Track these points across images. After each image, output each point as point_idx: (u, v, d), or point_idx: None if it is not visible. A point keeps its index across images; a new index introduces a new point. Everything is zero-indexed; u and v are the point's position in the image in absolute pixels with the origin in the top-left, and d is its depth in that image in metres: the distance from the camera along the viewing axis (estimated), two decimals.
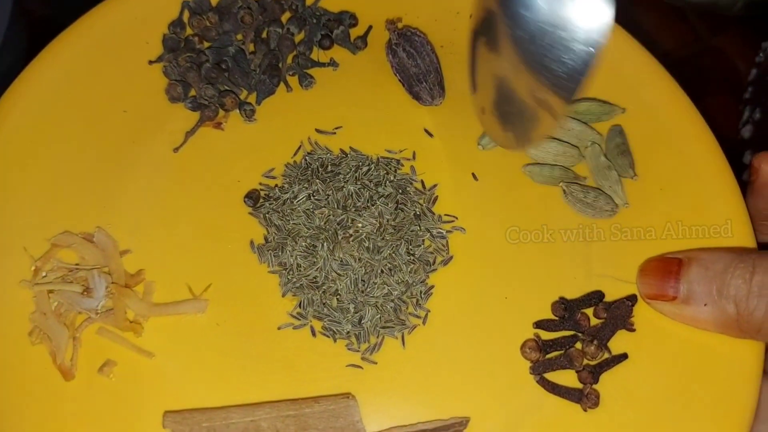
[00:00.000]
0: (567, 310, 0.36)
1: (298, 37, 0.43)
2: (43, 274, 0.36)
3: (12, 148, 0.38)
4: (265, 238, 0.38)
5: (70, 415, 0.34)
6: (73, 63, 0.41)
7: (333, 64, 0.43)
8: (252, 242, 0.38)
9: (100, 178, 0.39)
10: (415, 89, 0.42)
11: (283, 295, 0.37)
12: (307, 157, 0.40)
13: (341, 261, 0.36)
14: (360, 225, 0.37)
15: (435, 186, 0.40)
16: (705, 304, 0.34)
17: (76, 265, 0.36)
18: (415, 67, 0.42)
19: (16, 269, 0.36)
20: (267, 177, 0.40)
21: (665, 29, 0.59)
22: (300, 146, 0.41)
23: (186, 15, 0.43)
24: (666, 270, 0.35)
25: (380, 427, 0.34)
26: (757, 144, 0.52)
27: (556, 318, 0.36)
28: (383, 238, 0.37)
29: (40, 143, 0.39)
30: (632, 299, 0.36)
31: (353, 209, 0.38)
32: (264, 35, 0.43)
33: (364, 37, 0.43)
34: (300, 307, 0.36)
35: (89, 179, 0.38)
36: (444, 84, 0.42)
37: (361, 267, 0.36)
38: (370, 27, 0.44)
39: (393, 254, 0.37)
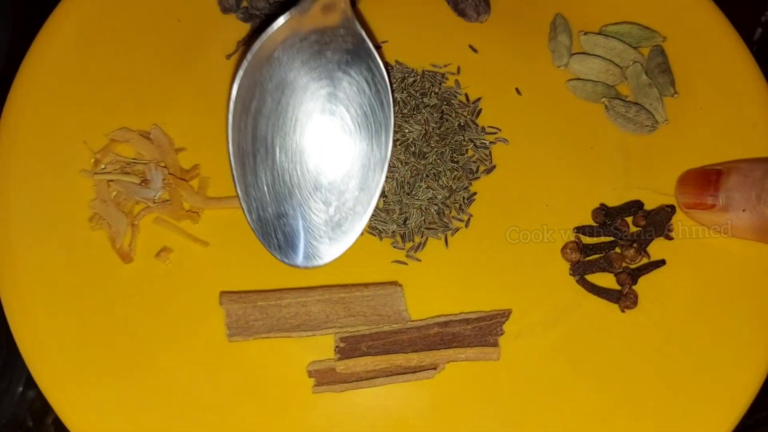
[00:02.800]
0: (607, 216, 0.36)
1: None
2: (103, 166, 0.36)
3: (74, 47, 0.38)
4: None
5: (128, 296, 0.34)
6: None
7: None
8: None
9: (157, 79, 0.39)
10: (461, 6, 0.41)
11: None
12: None
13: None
14: (406, 130, 0.37)
15: (479, 99, 0.39)
16: (744, 210, 0.34)
17: (134, 159, 0.37)
18: None
19: (76, 160, 0.36)
20: None
21: None
22: None
23: None
24: (705, 179, 0.35)
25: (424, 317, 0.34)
26: None
27: (597, 224, 0.36)
28: (428, 145, 0.37)
29: (100, 45, 0.39)
30: (671, 207, 0.36)
31: (399, 115, 0.38)
32: None
33: None
34: None
35: (146, 80, 0.38)
36: (489, 1, 0.41)
37: (407, 170, 0.36)
38: None
39: (438, 160, 0.37)
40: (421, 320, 0.33)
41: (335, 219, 0.33)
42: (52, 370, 0.32)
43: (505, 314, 0.33)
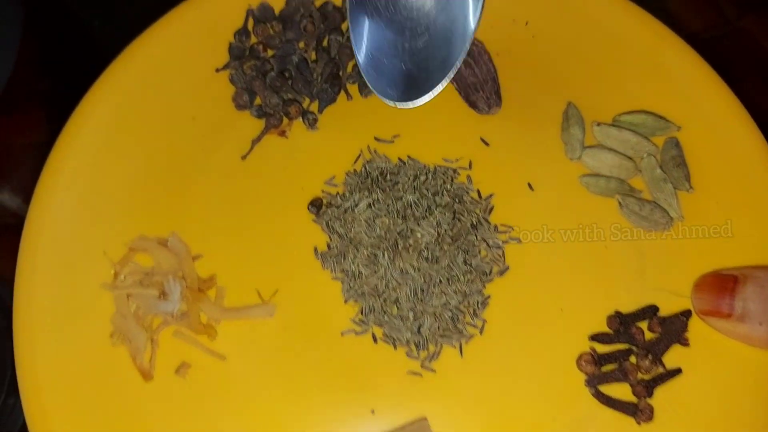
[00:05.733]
0: (622, 323, 0.35)
1: None
2: (122, 277, 0.36)
3: (88, 157, 0.38)
4: (328, 246, 0.37)
5: (149, 413, 0.34)
6: (142, 73, 0.40)
7: None
8: (315, 249, 0.37)
9: (173, 184, 0.38)
10: (472, 98, 0.40)
11: (346, 302, 0.36)
12: (366, 166, 0.39)
13: (401, 270, 0.36)
14: (419, 235, 0.36)
15: (491, 196, 0.38)
16: (760, 323, 0.32)
17: (152, 268, 0.36)
18: (473, 76, 0.40)
19: (97, 272, 0.36)
20: (329, 185, 0.39)
21: (691, 10, 0.54)
22: (360, 155, 0.39)
23: (250, 23, 0.42)
24: (721, 287, 0.34)
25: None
26: None
27: (612, 331, 0.35)
28: (441, 248, 0.36)
29: (114, 152, 0.38)
30: (687, 314, 0.35)
31: (412, 219, 0.37)
32: (325, 43, 0.42)
33: None
34: (362, 313, 0.36)
35: (162, 185, 0.38)
36: (501, 93, 0.40)
37: (420, 276, 0.35)
38: None
39: (451, 264, 0.36)
40: None
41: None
42: None
43: None
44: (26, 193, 0.41)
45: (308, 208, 0.38)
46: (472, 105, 0.40)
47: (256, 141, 0.39)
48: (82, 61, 0.49)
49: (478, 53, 0.40)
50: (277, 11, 0.42)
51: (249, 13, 0.41)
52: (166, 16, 0.41)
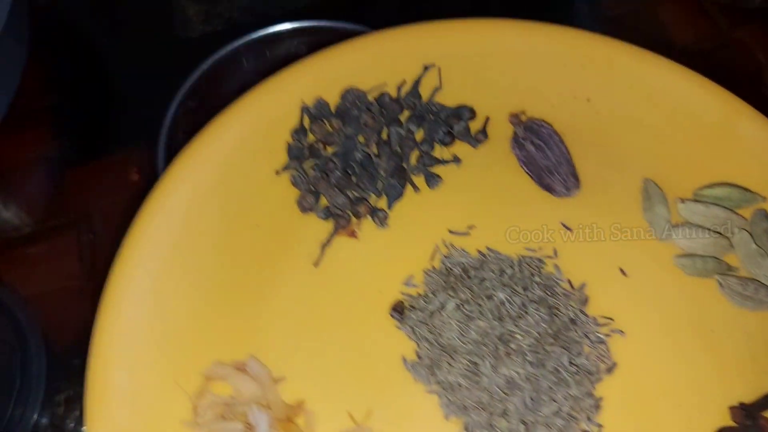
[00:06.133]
0: (748, 417, 0.32)
1: (418, 135, 0.40)
2: (201, 411, 0.33)
3: (147, 281, 0.35)
4: (418, 354, 0.34)
5: None
6: (196, 186, 0.37)
7: (456, 160, 0.39)
8: (404, 358, 0.34)
9: (243, 301, 0.35)
10: (546, 181, 0.38)
11: (446, 418, 0.33)
12: (445, 262, 0.37)
13: (507, 378, 0.33)
14: (518, 337, 0.34)
15: (584, 285, 0.36)
16: None
17: (232, 398, 0.33)
18: (545, 159, 0.38)
19: (175, 410, 0.32)
20: (408, 285, 0.36)
21: (685, 23, 0.55)
22: (436, 250, 0.37)
23: (306, 121, 0.40)
24: None
25: None
26: None
27: (737, 424, 0.32)
28: (544, 350, 0.34)
29: (175, 272, 0.35)
30: None
31: (509, 319, 0.34)
32: (385, 136, 0.40)
33: (484, 130, 0.40)
34: (466, 430, 0.33)
35: (232, 303, 0.35)
36: (577, 173, 0.38)
37: (528, 384, 0.33)
38: (488, 119, 0.41)
39: (557, 367, 0.33)
40: None
41: None
42: None
43: None
44: (31, 208, 0.45)
45: (391, 314, 0.35)
46: (548, 188, 0.38)
47: (326, 245, 0.37)
48: (89, 76, 0.51)
49: (548, 135, 0.39)
50: (332, 107, 0.40)
51: (304, 110, 0.40)
52: (215, 120, 0.39)
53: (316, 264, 0.36)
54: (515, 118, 0.39)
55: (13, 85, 0.46)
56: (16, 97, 0.46)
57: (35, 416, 0.40)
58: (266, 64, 0.50)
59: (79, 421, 0.40)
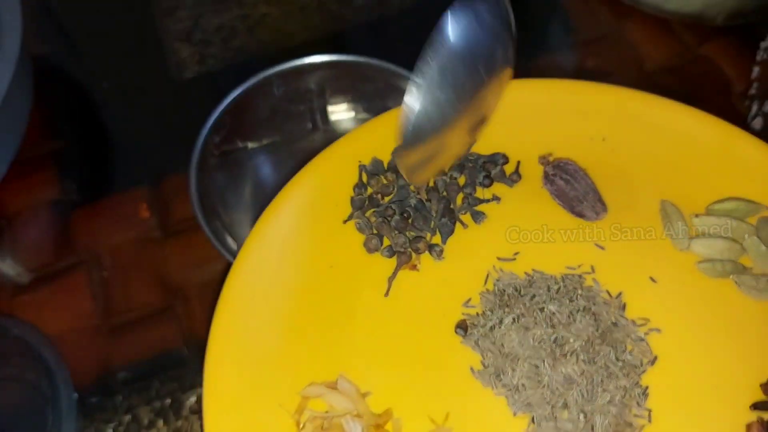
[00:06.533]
0: None
1: (461, 180, 0.47)
2: (302, 425, 0.38)
3: (244, 321, 0.41)
4: (483, 364, 0.40)
5: None
6: (279, 238, 0.43)
7: (495, 199, 0.46)
8: (472, 368, 0.40)
9: (329, 331, 0.41)
10: (578, 209, 0.44)
11: (515, 414, 0.38)
12: (497, 284, 0.42)
13: (564, 375, 0.38)
14: (572, 339, 0.39)
15: (620, 294, 0.41)
16: None
17: (327, 412, 0.38)
18: (574, 190, 0.45)
19: (280, 426, 0.38)
20: (467, 306, 0.42)
21: (652, 41, 0.59)
22: (488, 275, 0.43)
23: (365, 177, 0.46)
24: None
25: None
26: None
27: None
28: (594, 349, 0.39)
29: (271, 312, 0.41)
30: None
31: (560, 326, 0.39)
32: (432, 183, 0.46)
33: (517, 171, 0.47)
34: (533, 422, 0.37)
35: (320, 334, 0.40)
36: (603, 200, 0.44)
37: (583, 378, 0.38)
38: (519, 162, 0.47)
39: (606, 363, 0.38)
40: None
41: None
42: None
43: None
44: (40, 250, 0.47)
45: (456, 331, 0.41)
46: (580, 215, 0.44)
47: (392, 278, 0.43)
48: (88, 121, 0.54)
49: (573, 170, 0.45)
50: (385, 164, 0.47)
51: (361, 168, 0.46)
52: (288, 185, 0.45)
53: (386, 294, 0.42)
54: (544, 159, 0.46)
55: (21, 130, 0.50)
56: (22, 144, 0.50)
57: None
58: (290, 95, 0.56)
59: None
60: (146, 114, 0.58)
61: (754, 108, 0.55)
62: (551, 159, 0.46)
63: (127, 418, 0.46)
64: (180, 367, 0.48)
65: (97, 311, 0.48)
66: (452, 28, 0.37)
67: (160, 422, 0.46)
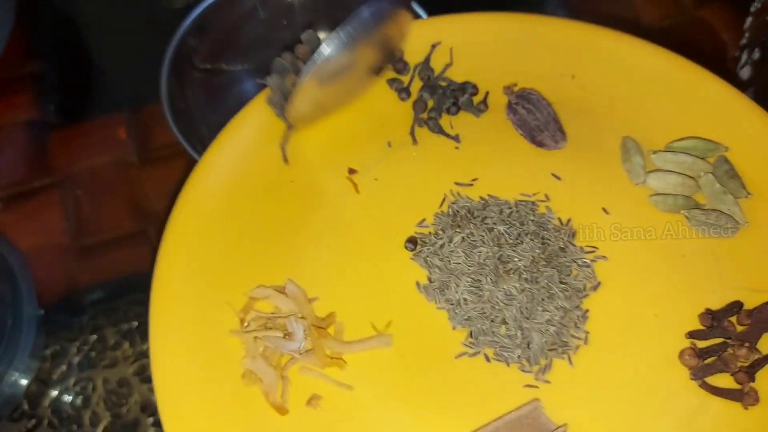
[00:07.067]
0: (714, 319, 0.37)
1: (429, 103, 0.47)
2: (246, 323, 0.38)
3: (203, 223, 0.41)
4: (429, 279, 0.40)
5: None
6: (244, 146, 0.44)
7: (456, 139, 0.45)
8: (418, 283, 0.40)
9: (282, 237, 0.41)
10: (538, 138, 0.44)
11: (454, 328, 0.39)
12: (452, 206, 0.43)
13: (506, 292, 0.38)
14: (516, 259, 0.39)
15: (570, 220, 0.42)
16: None
17: (272, 313, 0.39)
18: (535, 120, 0.45)
19: (224, 321, 0.38)
20: (421, 226, 0.42)
21: (651, 2, 0.58)
22: (444, 198, 0.43)
23: None
24: None
25: None
26: (757, 82, 0.53)
27: (705, 327, 0.37)
28: (538, 270, 0.39)
29: (228, 216, 0.42)
30: None
31: (507, 246, 0.40)
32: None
33: (485, 101, 0.47)
34: (471, 336, 0.38)
35: (273, 240, 0.41)
36: (564, 129, 0.45)
37: (523, 296, 0.38)
38: (487, 93, 0.47)
39: (549, 283, 0.39)
40: None
41: None
42: None
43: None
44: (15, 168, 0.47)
45: (405, 246, 0.41)
46: (539, 144, 0.44)
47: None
48: (71, 44, 0.54)
49: (536, 99, 0.45)
50: None
51: None
52: (258, 97, 0.46)
53: (285, 161, 0.44)
54: (508, 89, 0.46)
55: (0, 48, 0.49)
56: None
57: (14, 377, 0.42)
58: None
59: (64, 375, 0.43)
60: (133, 42, 0.58)
61: (744, 57, 0.54)
62: (515, 89, 0.46)
63: (93, 338, 0.46)
64: (149, 290, 0.48)
65: (68, 231, 0.48)
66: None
67: (126, 344, 0.46)
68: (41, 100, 0.55)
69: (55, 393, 0.43)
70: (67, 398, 0.43)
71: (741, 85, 0.51)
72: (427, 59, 0.48)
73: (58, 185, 0.50)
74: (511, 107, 0.45)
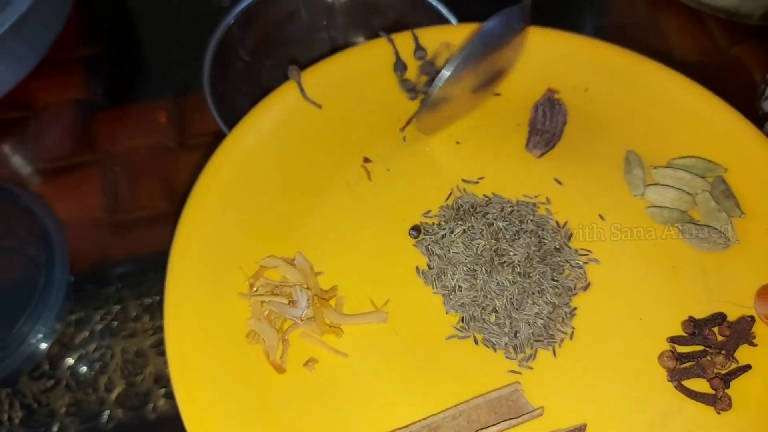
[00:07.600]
0: (696, 327, 0.39)
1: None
2: (256, 288, 0.41)
3: (228, 190, 0.44)
4: (428, 266, 0.43)
5: (282, 401, 0.38)
6: (270, 128, 0.47)
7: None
8: (417, 268, 0.42)
9: (295, 213, 0.44)
10: (529, 136, 0.47)
11: (447, 312, 0.41)
12: (458, 200, 0.45)
13: (498, 282, 0.41)
14: (512, 253, 0.42)
15: (567, 222, 0.44)
16: None
17: (280, 282, 0.42)
18: (543, 124, 0.47)
19: (235, 284, 0.41)
20: (426, 216, 0.45)
21: (684, 34, 0.58)
22: (451, 192, 0.46)
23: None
24: None
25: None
26: None
27: (687, 334, 0.39)
28: (531, 265, 0.41)
29: (248, 189, 0.45)
30: (752, 318, 0.39)
31: (504, 240, 0.42)
32: None
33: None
34: (463, 321, 0.40)
35: (287, 215, 0.44)
36: (553, 146, 0.47)
37: (515, 288, 0.40)
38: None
39: (541, 279, 0.41)
40: None
41: None
42: None
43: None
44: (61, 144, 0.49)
45: (409, 233, 0.44)
46: (527, 142, 0.46)
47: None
48: (124, 32, 0.57)
49: (557, 110, 0.47)
50: None
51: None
52: (287, 83, 0.49)
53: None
54: (551, 90, 0.48)
55: (58, 28, 0.52)
56: (54, 45, 0.52)
57: (34, 340, 0.44)
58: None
59: (86, 341, 0.45)
60: (180, 33, 0.61)
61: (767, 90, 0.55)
62: (555, 96, 0.48)
63: (117, 308, 0.48)
64: None
65: (104, 206, 0.51)
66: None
67: (147, 317, 0.48)
68: (91, 81, 0.58)
69: (75, 357, 0.46)
70: (86, 363, 0.46)
71: (762, 118, 0.52)
72: (433, 58, 0.50)
73: (99, 162, 0.53)
74: (536, 105, 0.48)
